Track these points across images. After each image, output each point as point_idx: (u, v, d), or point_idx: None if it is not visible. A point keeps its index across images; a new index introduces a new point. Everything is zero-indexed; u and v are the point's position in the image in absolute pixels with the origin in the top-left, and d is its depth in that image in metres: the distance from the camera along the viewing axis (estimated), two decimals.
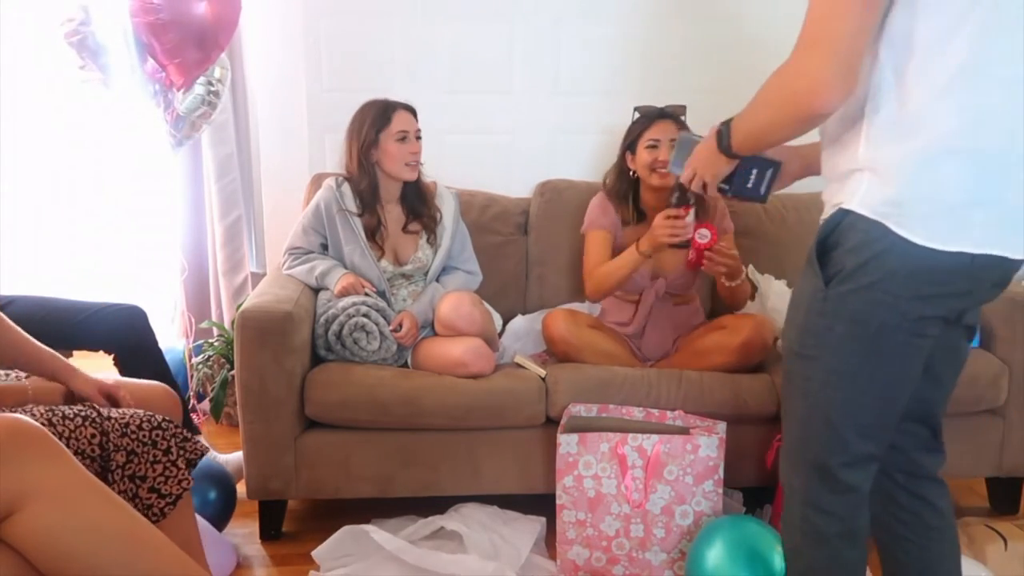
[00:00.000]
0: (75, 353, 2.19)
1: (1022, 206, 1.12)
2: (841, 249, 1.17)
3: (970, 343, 1.35)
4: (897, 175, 1.12)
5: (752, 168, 1.44)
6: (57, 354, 1.57)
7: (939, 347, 1.23)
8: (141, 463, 1.44)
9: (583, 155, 2.78)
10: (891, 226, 1.11)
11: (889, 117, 1.13)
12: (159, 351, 2.17)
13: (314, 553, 1.86)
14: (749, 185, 1.47)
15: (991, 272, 1.16)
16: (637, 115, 2.30)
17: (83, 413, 1.41)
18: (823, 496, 1.26)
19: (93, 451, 1.37)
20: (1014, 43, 1.09)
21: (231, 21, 2.45)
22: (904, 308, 1.14)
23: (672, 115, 2.24)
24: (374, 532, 1.82)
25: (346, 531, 1.87)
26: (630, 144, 2.28)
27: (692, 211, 2.03)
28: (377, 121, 2.17)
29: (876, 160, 1.14)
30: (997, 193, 1.11)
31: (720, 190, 1.45)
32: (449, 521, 1.96)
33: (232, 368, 2.51)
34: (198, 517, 1.63)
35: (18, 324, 1.63)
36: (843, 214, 1.17)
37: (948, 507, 1.37)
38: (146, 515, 1.42)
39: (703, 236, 2.13)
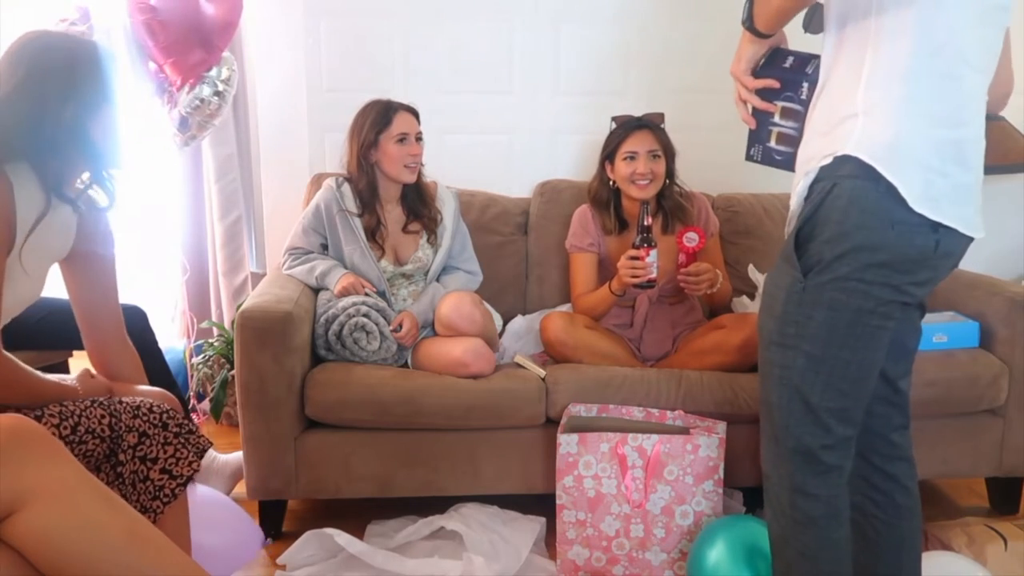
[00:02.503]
0: (75, 353, 2.19)
1: (973, 184, 1.21)
2: (817, 241, 1.22)
3: (922, 318, 1.43)
4: (892, 116, 1.17)
5: (803, 79, 1.34)
6: (62, 383, 1.56)
7: (902, 326, 1.32)
8: (153, 444, 1.45)
9: (583, 155, 2.78)
10: (883, 171, 1.16)
11: (889, 60, 1.17)
12: (159, 351, 2.17)
13: (280, 559, 1.86)
14: (803, 96, 1.34)
15: (950, 259, 1.26)
16: (614, 125, 2.32)
17: (93, 398, 1.44)
18: (808, 480, 1.29)
19: (103, 431, 1.38)
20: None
21: (230, 21, 2.45)
22: (877, 294, 1.21)
23: (649, 125, 2.26)
24: (337, 535, 1.82)
25: (311, 535, 1.87)
26: (608, 155, 2.30)
27: (654, 252, 2.08)
28: (377, 122, 2.17)
29: (874, 102, 1.18)
30: (953, 167, 1.19)
31: (767, 97, 1.36)
32: (449, 521, 1.96)
33: (232, 368, 2.51)
34: (226, 497, 1.63)
35: (18, 324, 1.63)
36: (828, 186, 1.21)
37: (915, 487, 1.43)
38: (157, 496, 1.45)
39: (691, 240, 2.21)
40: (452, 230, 2.32)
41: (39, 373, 1.46)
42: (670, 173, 2.30)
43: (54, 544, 1.15)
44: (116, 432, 1.41)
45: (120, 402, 1.45)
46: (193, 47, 2.41)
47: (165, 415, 1.49)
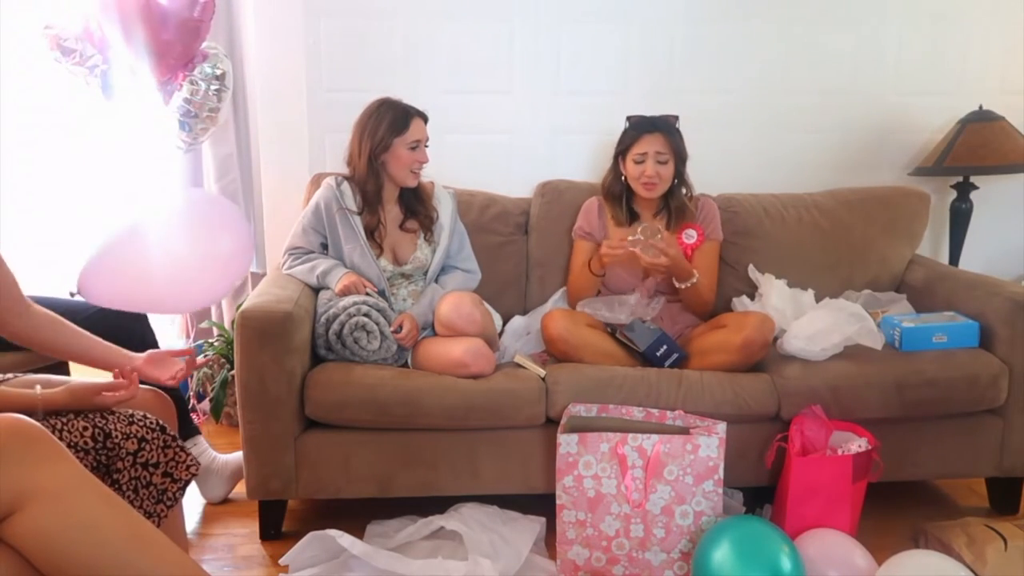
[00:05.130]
0: None
1: None
2: None
3: None
4: None
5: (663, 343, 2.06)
6: (113, 348, 1.62)
7: None
8: (153, 449, 1.46)
9: (583, 155, 2.78)
10: None
11: None
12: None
13: (283, 559, 1.86)
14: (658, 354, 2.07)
15: None
16: (627, 124, 2.36)
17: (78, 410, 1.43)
18: None
19: (86, 443, 1.38)
20: None
21: (208, 13, 2.42)
22: None
23: (662, 127, 2.29)
24: (340, 537, 1.82)
25: (313, 536, 1.87)
26: (621, 152, 2.36)
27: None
28: (394, 126, 2.17)
29: None
30: None
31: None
32: (449, 521, 1.96)
33: (232, 368, 2.52)
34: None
35: None
36: None
37: None
38: (160, 500, 1.46)
39: (689, 236, 2.32)
40: (450, 229, 2.32)
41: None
42: (679, 175, 2.32)
43: (54, 544, 1.15)
44: (105, 444, 1.40)
45: (112, 413, 1.45)
46: (176, 43, 2.40)
47: (160, 421, 1.51)
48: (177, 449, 1.49)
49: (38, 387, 1.48)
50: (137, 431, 1.44)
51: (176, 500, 1.49)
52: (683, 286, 2.25)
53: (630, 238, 2.16)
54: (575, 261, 2.42)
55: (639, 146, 2.29)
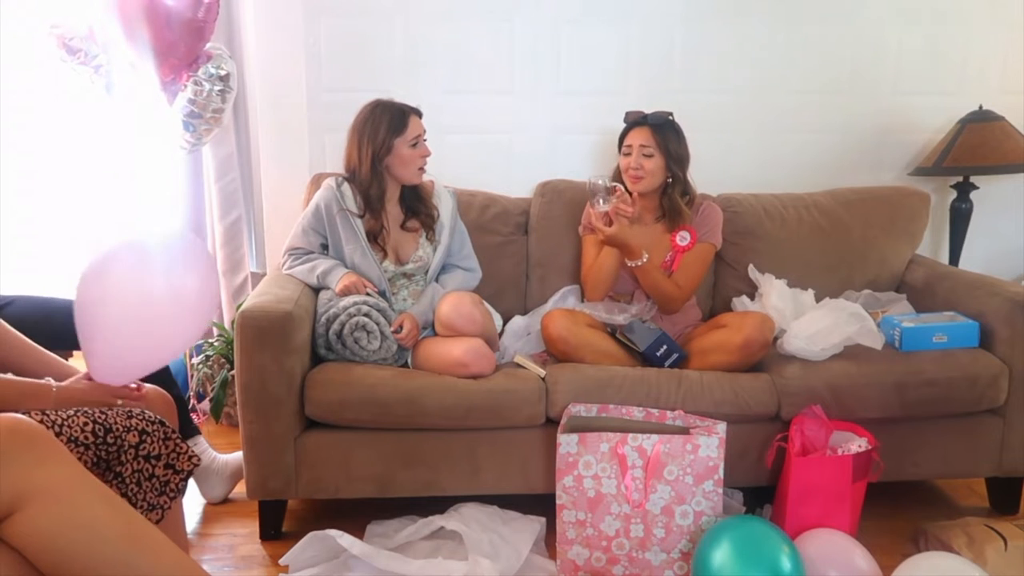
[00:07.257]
0: (75, 353, 2.19)
1: None
2: None
3: None
4: None
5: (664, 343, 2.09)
6: (63, 361, 1.58)
7: None
8: (154, 442, 1.47)
9: (583, 155, 2.78)
10: None
11: None
12: None
13: (283, 560, 1.86)
14: (658, 354, 2.10)
15: None
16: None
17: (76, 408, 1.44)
18: None
19: (87, 438, 1.38)
20: None
21: (212, 14, 2.42)
22: None
23: (652, 122, 2.31)
24: (340, 537, 1.83)
25: (313, 536, 1.87)
26: (618, 147, 2.39)
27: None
28: (393, 127, 2.17)
29: None
30: None
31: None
32: (449, 521, 1.96)
33: (232, 368, 2.52)
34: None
35: (17, 324, 1.63)
36: None
37: None
38: (163, 492, 1.46)
39: (683, 238, 2.32)
40: (450, 228, 2.33)
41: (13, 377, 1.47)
42: (673, 174, 2.31)
43: (54, 544, 1.15)
44: (106, 438, 1.41)
45: (111, 409, 1.46)
46: (181, 43, 2.40)
47: (158, 415, 1.51)
48: (177, 441, 1.50)
49: (50, 379, 1.50)
50: (137, 424, 1.45)
51: (180, 491, 1.50)
52: (632, 264, 2.22)
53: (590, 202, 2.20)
54: (586, 256, 2.41)
55: (628, 139, 2.34)
